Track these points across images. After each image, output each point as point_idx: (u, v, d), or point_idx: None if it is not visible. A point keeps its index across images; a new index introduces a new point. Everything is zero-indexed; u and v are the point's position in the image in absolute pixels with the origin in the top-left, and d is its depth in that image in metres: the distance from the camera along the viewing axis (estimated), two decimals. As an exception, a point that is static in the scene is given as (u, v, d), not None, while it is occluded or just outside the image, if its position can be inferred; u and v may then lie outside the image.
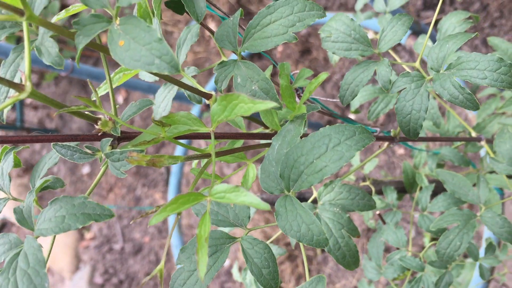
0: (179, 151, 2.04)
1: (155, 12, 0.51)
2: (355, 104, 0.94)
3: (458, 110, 1.82)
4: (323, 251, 2.39)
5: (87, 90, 3.32)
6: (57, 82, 3.41)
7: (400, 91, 0.63)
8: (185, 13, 0.56)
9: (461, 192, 0.81)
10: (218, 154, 0.51)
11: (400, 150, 2.32)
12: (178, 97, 1.79)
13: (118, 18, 0.40)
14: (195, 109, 2.13)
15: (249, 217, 0.55)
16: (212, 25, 2.67)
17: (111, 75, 0.56)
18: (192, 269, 0.53)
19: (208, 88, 1.96)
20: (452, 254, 0.77)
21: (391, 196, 0.99)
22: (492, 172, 1.00)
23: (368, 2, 1.14)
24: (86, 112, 0.46)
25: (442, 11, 2.33)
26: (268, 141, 0.61)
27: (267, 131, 0.60)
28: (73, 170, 3.28)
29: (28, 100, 3.56)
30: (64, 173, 3.30)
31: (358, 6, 1.10)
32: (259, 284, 0.52)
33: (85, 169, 3.30)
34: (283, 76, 0.51)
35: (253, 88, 0.52)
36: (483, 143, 0.88)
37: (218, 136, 0.54)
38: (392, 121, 2.28)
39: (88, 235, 3.16)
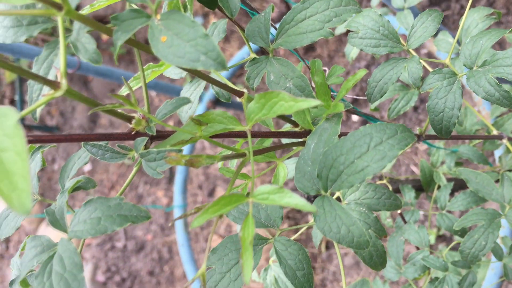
0: (185, 150, 2.02)
1: (188, 6, 0.49)
2: (375, 102, 0.93)
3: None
4: (327, 248, 2.39)
5: (88, 87, 3.30)
6: (59, 79, 3.38)
7: (430, 89, 0.62)
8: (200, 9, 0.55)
9: (484, 191, 0.80)
10: (253, 153, 0.50)
11: (408, 149, 2.31)
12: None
13: (158, 13, 0.39)
14: (200, 108, 2.11)
15: (281, 218, 0.54)
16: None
17: (134, 75, 0.54)
18: (224, 271, 0.51)
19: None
20: (477, 254, 0.76)
21: (409, 195, 0.98)
22: (511, 170, 0.99)
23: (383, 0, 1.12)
24: (120, 110, 0.45)
25: (448, 8, 2.32)
26: (298, 140, 0.59)
27: (296, 129, 0.59)
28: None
29: (28, 97, 3.52)
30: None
31: (374, 3, 1.08)
32: (294, 286, 0.51)
33: (87, 167, 3.28)
34: (318, 73, 0.50)
35: (287, 85, 0.50)
36: (504, 140, 0.87)
37: (252, 135, 0.52)
38: (397, 120, 2.27)
39: (90, 233, 3.15)
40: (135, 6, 0.39)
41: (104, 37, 3.07)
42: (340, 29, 1.10)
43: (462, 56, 0.60)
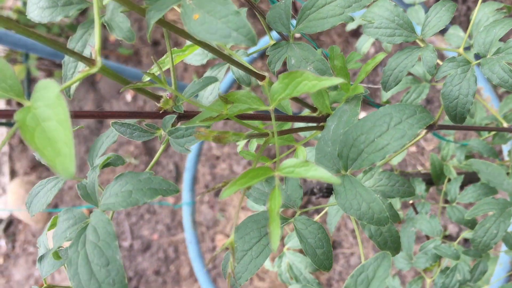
0: (193, 149, 2.04)
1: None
2: (386, 94, 0.95)
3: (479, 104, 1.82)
4: (333, 248, 2.39)
5: (96, 88, 3.32)
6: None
7: (444, 77, 0.64)
8: None
9: (496, 181, 0.81)
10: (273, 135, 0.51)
11: (412, 148, 2.32)
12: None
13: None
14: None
15: (301, 199, 0.55)
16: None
17: (162, 58, 0.56)
18: (246, 249, 0.53)
19: (227, 79, 1.97)
20: (488, 242, 0.77)
21: (420, 187, 0.99)
22: (520, 164, 1.00)
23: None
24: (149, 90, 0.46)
25: (455, 1, 2.33)
26: (315, 124, 0.61)
27: (314, 114, 0.60)
28: (81, 167, 3.29)
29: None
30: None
31: (385, -2, 1.10)
32: (314, 264, 0.52)
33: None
34: (338, 57, 0.51)
35: (308, 69, 0.52)
36: (515, 133, 0.88)
37: (268, 119, 0.54)
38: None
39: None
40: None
41: (112, 38, 3.10)
42: (351, 25, 1.11)
43: (476, 45, 0.62)
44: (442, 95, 0.63)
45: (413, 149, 2.30)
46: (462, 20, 2.32)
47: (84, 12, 3.22)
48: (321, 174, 0.40)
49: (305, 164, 0.41)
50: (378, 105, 0.79)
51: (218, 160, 2.85)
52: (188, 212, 2.05)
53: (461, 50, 0.66)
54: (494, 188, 0.92)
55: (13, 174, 3.57)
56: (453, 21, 2.30)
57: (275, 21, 0.55)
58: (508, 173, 0.95)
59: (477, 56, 0.65)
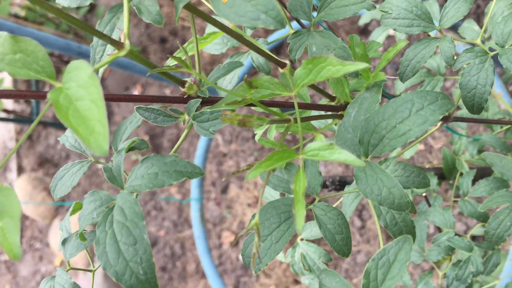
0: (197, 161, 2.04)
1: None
2: (400, 88, 0.95)
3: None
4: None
5: (104, 85, 3.33)
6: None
7: (461, 68, 0.64)
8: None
9: (509, 174, 0.81)
10: (296, 120, 0.52)
11: (420, 146, 2.33)
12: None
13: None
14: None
15: (321, 185, 0.56)
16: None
17: (185, 45, 0.57)
18: (266, 234, 0.53)
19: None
20: (502, 234, 0.77)
21: (432, 181, 1.00)
22: (533, 158, 1.00)
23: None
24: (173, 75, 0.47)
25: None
26: (334, 113, 0.61)
27: (333, 103, 0.61)
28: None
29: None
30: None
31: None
32: (333, 249, 0.53)
33: (100, 164, 3.31)
34: (359, 44, 0.52)
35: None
36: (528, 127, 0.89)
37: (288, 106, 0.54)
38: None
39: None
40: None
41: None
42: (364, 19, 1.12)
43: (494, 35, 0.62)
44: (460, 85, 0.63)
45: (421, 147, 2.30)
46: (472, 17, 2.32)
47: (92, 9, 3.23)
48: (345, 157, 0.41)
49: (330, 147, 0.41)
50: (393, 97, 0.79)
51: (225, 157, 2.86)
52: (197, 208, 2.06)
53: (478, 41, 0.66)
54: (507, 182, 0.93)
55: (20, 170, 3.59)
56: (464, 18, 2.30)
57: (296, 9, 0.56)
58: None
59: (492, 50, 0.66)
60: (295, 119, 0.52)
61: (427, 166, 2.15)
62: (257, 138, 0.65)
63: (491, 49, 0.65)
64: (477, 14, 2.31)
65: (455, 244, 0.80)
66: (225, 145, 2.92)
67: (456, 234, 0.87)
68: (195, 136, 2.81)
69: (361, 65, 0.43)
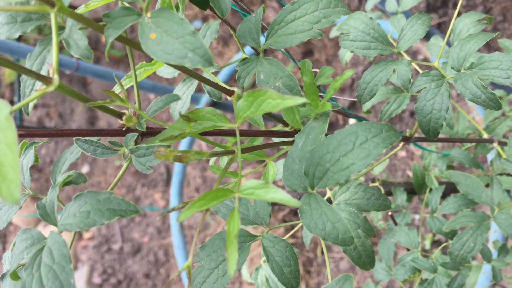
0: (183, 146, 2.03)
1: (180, 6, 0.50)
2: (367, 104, 0.94)
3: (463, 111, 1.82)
4: (323, 253, 2.39)
5: (87, 89, 3.31)
6: (58, 81, 3.39)
7: (419, 91, 0.63)
8: (187, 13, 0.56)
9: (474, 193, 0.81)
10: (242, 150, 0.51)
11: (402, 153, 2.32)
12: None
13: (149, 11, 0.40)
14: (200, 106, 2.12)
15: (270, 215, 0.54)
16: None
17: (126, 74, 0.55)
18: (213, 267, 0.52)
19: (224, 73, 1.96)
20: (465, 255, 0.76)
21: (401, 197, 0.99)
22: (502, 174, 1.00)
23: (377, 3, 1.14)
24: (111, 107, 0.46)
25: (445, 14, 2.33)
26: (287, 139, 0.60)
27: (286, 129, 0.60)
28: (72, 169, 3.27)
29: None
30: (64, 172, 3.29)
31: (369, 6, 1.09)
32: (281, 283, 0.51)
33: (84, 169, 3.29)
34: (307, 73, 0.51)
35: (276, 84, 0.51)
36: (495, 144, 0.88)
37: (241, 134, 0.53)
38: (394, 123, 2.28)
39: (86, 234, 3.15)
40: (126, 4, 0.40)
41: (104, 39, 3.08)
42: (335, 32, 1.11)
43: (450, 59, 0.61)
44: (416, 109, 0.62)
45: (403, 153, 2.30)
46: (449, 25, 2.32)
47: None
48: (280, 196, 0.40)
49: (265, 186, 0.40)
50: (357, 117, 0.78)
51: (208, 163, 2.84)
52: (176, 218, 2.04)
53: (436, 63, 0.66)
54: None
55: (3, 175, 3.54)
56: (442, 26, 2.31)
57: (245, 35, 0.55)
58: (488, 185, 0.95)
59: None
60: (244, 149, 0.51)
61: (408, 173, 2.14)
62: (210, 163, 0.64)
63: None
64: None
65: (420, 265, 0.79)
66: (209, 150, 2.89)
67: (424, 255, 0.86)
68: (178, 141, 2.79)
69: (299, 100, 0.42)
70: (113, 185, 0.46)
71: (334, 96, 0.70)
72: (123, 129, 0.46)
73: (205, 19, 2.80)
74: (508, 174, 1.00)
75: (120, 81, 0.44)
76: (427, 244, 2.11)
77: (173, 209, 0.42)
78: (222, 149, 0.48)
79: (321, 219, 0.47)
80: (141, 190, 3.10)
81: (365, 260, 0.67)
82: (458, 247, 0.77)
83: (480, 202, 0.80)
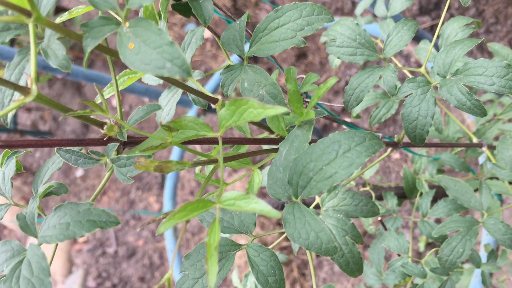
0: (174, 155, 2.02)
1: (162, 14, 0.50)
2: (356, 109, 0.94)
3: (454, 115, 1.82)
4: (318, 256, 2.39)
5: (81, 92, 3.30)
6: (51, 84, 3.39)
7: (406, 96, 0.63)
8: (180, 17, 0.56)
9: (463, 198, 0.81)
10: (225, 159, 0.50)
11: (395, 155, 2.32)
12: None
13: (128, 20, 0.39)
14: (191, 113, 2.11)
15: (255, 224, 0.54)
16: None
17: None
18: (197, 277, 0.52)
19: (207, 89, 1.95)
20: (454, 260, 0.76)
21: (392, 201, 0.98)
22: (492, 178, 1.00)
23: (368, 7, 1.14)
24: (92, 116, 0.45)
25: (438, 17, 2.34)
26: (273, 146, 0.60)
27: (272, 136, 0.59)
28: (66, 172, 3.26)
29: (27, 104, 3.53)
30: (57, 175, 3.28)
31: (359, 11, 1.09)
32: (265, 292, 0.51)
33: (79, 172, 3.27)
34: (291, 81, 0.50)
35: (260, 92, 0.51)
36: (484, 149, 0.88)
37: (225, 141, 0.53)
38: (388, 125, 2.29)
39: (81, 238, 3.14)
40: (101, 13, 0.40)
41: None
42: (324, 38, 1.10)
43: (436, 65, 0.61)
44: (402, 116, 0.62)
45: (397, 156, 2.31)
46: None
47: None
48: (261, 207, 0.39)
49: (246, 197, 0.40)
50: (345, 122, 0.78)
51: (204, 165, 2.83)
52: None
53: (422, 69, 0.65)
54: (464, 203, 0.92)
55: (-3, 179, 3.52)
56: (435, 29, 2.31)
57: (229, 43, 0.54)
58: (476, 190, 0.95)
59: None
60: (228, 157, 0.51)
61: (388, 184, 2.14)
62: (196, 171, 0.63)
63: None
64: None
65: (409, 271, 0.79)
66: (204, 152, 2.88)
67: (416, 261, 0.86)
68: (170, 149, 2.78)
69: (280, 109, 0.41)
70: (95, 195, 0.46)
71: (321, 102, 0.70)
72: (105, 139, 0.46)
73: (199, 23, 2.79)
74: (498, 178, 1.00)
75: (100, 91, 0.43)
76: (421, 246, 2.11)
77: (154, 220, 0.41)
78: (204, 159, 0.47)
79: (304, 229, 0.47)
80: (135, 193, 3.09)
81: (353, 267, 0.67)
82: (447, 252, 0.76)
83: (469, 207, 0.80)
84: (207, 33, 2.58)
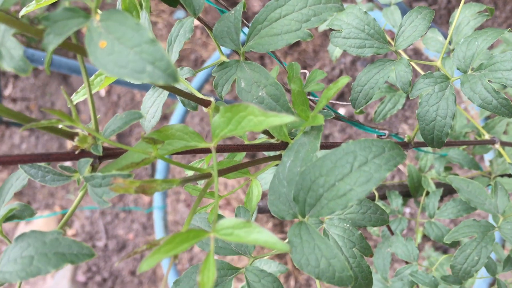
0: (160, 166, 1.93)
1: (143, 3, 0.42)
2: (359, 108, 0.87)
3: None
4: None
5: (68, 82, 3.20)
6: (37, 74, 3.29)
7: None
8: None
9: (477, 201, 0.74)
10: (219, 172, 0.43)
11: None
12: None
13: (99, 12, 0.32)
14: (184, 110, 2.03)
15: (254, 245, 0.47)
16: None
17: (91, 78, 0.47)
18: (189, 307, 0.45)
19: (195, 82, 1.86)
20: (469, 269, 0.70)
21: (396, 202, 0.92)
22: (503, 175, 0.94)
23: (368, -8, 1.06)
24: (61, 126, 0.38)
25: (435, 2, 2.27)
26: (274, 152, 0.53)
27: (272, 141, 0.52)
28: (54, 165, 3.17)
29: (7, 92, 3.44)
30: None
31: (359, -3, 1.02)
32: (268, 324, 0.44)
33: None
34: (295, 80, 0.43)
35: (260, 94, 0.44)
36: (497, 145, 0.82)
37: (219, 150, 0.46)
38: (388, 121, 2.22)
39: (70, 231, 3.07)
40: (68, 4, 0.32)
41: (84, 29, 2.97)
42: (323, 26, 1.03)
43: (456, 59, 0.54)
44: (417, 116, 0.55)
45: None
46: (442, 13, 2.25)
47: (56, 3, 3.08)
48: (265, 238, 0.32)
49: (246, 225, 0.33)
50: (349, 121, 0.71)
51: (195, 157, 2.76)
52: (160, 216, 1.96)
53: (439, 63, 0.58)
54: (475, 204, 0.86)
55: (-17, 171, 3.45)
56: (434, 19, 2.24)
57: (223, 36, 0.47)
58: (489, 185, 0.88)
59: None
60: (223, 170, 0.44)
61: (391, 183, 2.08)
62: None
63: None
64: (449, 9, 2.24)
65: (419, 280, 0.73)
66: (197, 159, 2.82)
67: (427, 268, 0.80)
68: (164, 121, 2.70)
69: (286, 118, 0.34)
70: (64, 220, 0.38)
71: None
72: (76, 152, 0.38)
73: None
74: (510, 175, 0.95)
75: (69, 98, 0.36)
76: (418, 238, 2.06)
77: (135, 253, 0.34)
78: (197, 174, 0.40)
79: (314, 254, 0.40)
80: (125, 186, 3.00)
81: (361, 282, 0.61)
82: (461, 260, 0.70)
83: (483, 210, 0.74)
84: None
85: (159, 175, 1.86)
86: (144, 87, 1.90)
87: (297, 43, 2.50)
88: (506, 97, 0.50)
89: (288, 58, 2.50)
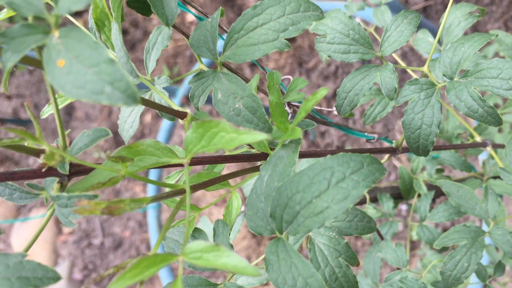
0: (153, 178, 1.91)
1: (113, 14, 0.41)
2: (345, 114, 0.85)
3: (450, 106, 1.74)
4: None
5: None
6: (32, 71, 3.27)
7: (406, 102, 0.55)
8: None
9: (467, 205, 0.73)
10: (195, 187, 0.42)
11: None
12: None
13: (58, 29, 0.30)
14: (175, 101, 2.01)
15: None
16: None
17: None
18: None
19: (186, 87, 1.85)
20: (459, 276, 0.69)
21: (387, 204, 0.91)
22: (495, 177, 0.93)
23: (360, -10, 1.04)
24: (26, 144, 0.36)
25: (431, -2, 2.24)
26: (256, 161, 0.52)
27: (253, 151, 0.51)
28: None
29: (1, 90, 3.42)
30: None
31: (350, -4, 1.00)
32: None
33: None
34: (273, 90, 0.42)
35: (236, 106, 0.42)
36: (489, 148, 0.80)
37: (194, 162, 0.44)
38: (378, 124, 2.21)
39: (66, 229, 3.06)
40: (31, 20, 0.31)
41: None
42: (311, 27, 1.01)
43: (442, 65, 0.53)
44: (402, 123, 0.54)
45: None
46: (438, 8, 2.23)
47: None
48: (235, 262, 0.31)
49: (215, 249, 0.31)
50: (336, 125, 0.70)
51: (176, 167, 2.75)
52: (154, 215, 1.95)
53: (425, 68, 0.57)
54: (466, 207, 0.85)
55: (-21, 168, 3.43)
56: (428, 10, 2.22)
57: (200, 45, 0.45)
58: (482, 183, 0.87)
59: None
60: (200, 184, 0.42)
61: (384, 185, 2.07)
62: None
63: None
64: (445, 5, 2.22)
65: (408, 286, 0.72)
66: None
67: (414, 272, 0.79)
68: (159, 119, 2.68)
69: (258, 136, 0.33)
70: (30, 243, 0.37)
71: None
72: (43, 170, 0.37)
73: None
74: (502, 177, 0.93)
75: (34, 115, 0.34)
76: (414, 235, 2.05)
77: (101, 277, 0.33)
78: (169, 191, 0.39)
79: (290, 273, 0.39)
80: (121, 183, 3.00)
81: (347, 292, 0.60)
82: (451, 267, 0.69)
83: (473, 215, 0.73)
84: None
85: (151, 188, 1.85)
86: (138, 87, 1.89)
87: (293, 39, 2.48)
88: (492, 105, 0.48)
89: (284, 54, 2.48)
